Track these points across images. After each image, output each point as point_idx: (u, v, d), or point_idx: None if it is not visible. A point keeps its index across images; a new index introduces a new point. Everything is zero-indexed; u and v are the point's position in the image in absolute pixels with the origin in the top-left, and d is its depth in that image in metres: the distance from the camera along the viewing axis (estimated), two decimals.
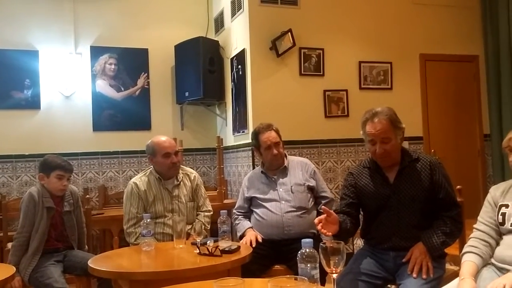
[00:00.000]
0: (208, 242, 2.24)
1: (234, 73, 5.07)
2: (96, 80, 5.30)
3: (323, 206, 2.09)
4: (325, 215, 2.00)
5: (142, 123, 5.44)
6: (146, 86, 5.50)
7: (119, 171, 5.37)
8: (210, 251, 2.17)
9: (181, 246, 2.43)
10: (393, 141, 2.19)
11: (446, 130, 5.33)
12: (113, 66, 5.38)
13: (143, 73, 5.49)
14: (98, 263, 2.25)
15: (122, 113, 5.39)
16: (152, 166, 2.99)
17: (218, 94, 5.40)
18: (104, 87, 5.34)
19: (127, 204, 2.89)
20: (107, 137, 5.33)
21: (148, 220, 2.49)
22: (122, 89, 5.42)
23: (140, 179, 2.95)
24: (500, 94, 5.24)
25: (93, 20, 5.33)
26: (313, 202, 2.90)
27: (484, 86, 5.48)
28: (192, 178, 3.06)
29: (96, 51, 5.31)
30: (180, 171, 3.02)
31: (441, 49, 5.29)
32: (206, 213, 3.03)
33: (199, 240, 2.31)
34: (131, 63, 5.45)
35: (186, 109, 5.62)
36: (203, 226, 2.83)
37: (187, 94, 5.29)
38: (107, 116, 5.34)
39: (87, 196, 4.15)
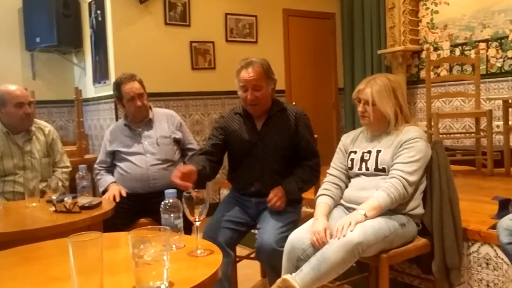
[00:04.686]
0: (65, 199, 2.10)
1: (92, 19, 4.68)
2: None
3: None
4: (181, 171, 1.96)
5: None
6: None
7: None
8: (68, 208, 2.04)
9: (34, 204, 2.24)
10: (264, 89, 2.27)
11: (305, 84, 5.65)
12: None
13: None
14: None
15: None
16: None
17: (75, 41, 4.96)
18: None
19: None
20: None
21: None
22: None
23: None
24: (353, 50, 5.68)
25: None
26: (179, 155, 2.88)
27: (340, 43, 5.88)
28: (47, 132, 2.82)
29: None
30: (33, 125, 2.75)
31: (302, 5, 5.50)
32: (63, 169, 2.85)
33: (55, 197, 2.16)
34: None
35: (38, 56, 5.07)
36: (59, 182, 2.64)
37: (38, 40, 4.76)
38: None
39: None
